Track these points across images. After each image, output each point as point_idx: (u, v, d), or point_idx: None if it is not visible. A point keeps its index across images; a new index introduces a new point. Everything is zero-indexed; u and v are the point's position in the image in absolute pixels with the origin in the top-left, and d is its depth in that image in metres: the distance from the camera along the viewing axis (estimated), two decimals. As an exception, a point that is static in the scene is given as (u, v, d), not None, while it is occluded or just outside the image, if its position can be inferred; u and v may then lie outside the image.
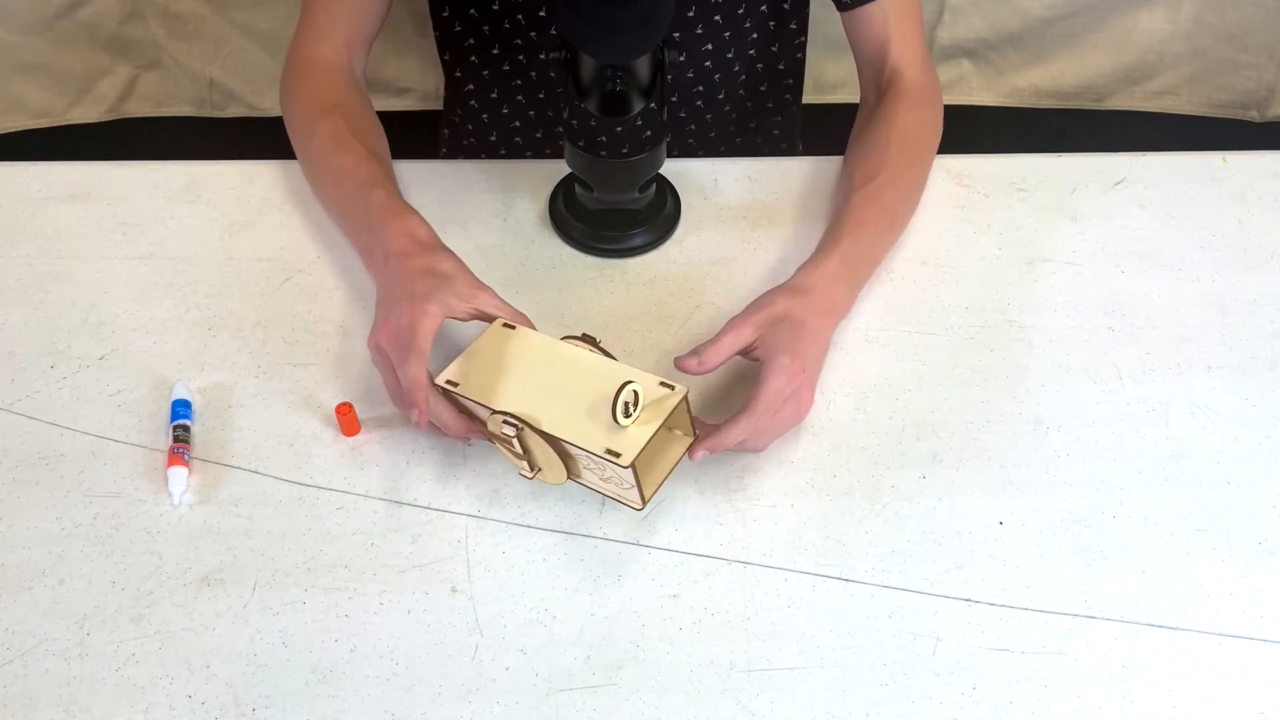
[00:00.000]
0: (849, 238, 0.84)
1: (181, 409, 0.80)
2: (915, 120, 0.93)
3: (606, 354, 0.75)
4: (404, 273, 0.79)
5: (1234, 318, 0.89)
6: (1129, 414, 0.82)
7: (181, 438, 0.78)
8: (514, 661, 0.70)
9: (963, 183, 0.98)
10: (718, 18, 0.99)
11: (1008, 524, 0.76)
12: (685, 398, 0.71)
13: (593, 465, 0.70)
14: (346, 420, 0.79)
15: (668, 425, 0.71)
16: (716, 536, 0.75)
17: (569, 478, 0.73)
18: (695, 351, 0.77)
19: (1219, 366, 0.85)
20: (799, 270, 0.83)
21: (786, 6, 1.02)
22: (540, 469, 0.74)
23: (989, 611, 0.72)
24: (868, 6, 0.94)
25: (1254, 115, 1.70)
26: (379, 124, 0.94)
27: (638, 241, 0.92)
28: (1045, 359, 0.85)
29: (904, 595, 0.73)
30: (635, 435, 0.69)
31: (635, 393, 0.69)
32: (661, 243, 0.93)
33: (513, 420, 0.70)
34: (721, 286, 0.90)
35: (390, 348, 0.75)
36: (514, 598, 0.72)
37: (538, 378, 0.74)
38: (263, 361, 0.84)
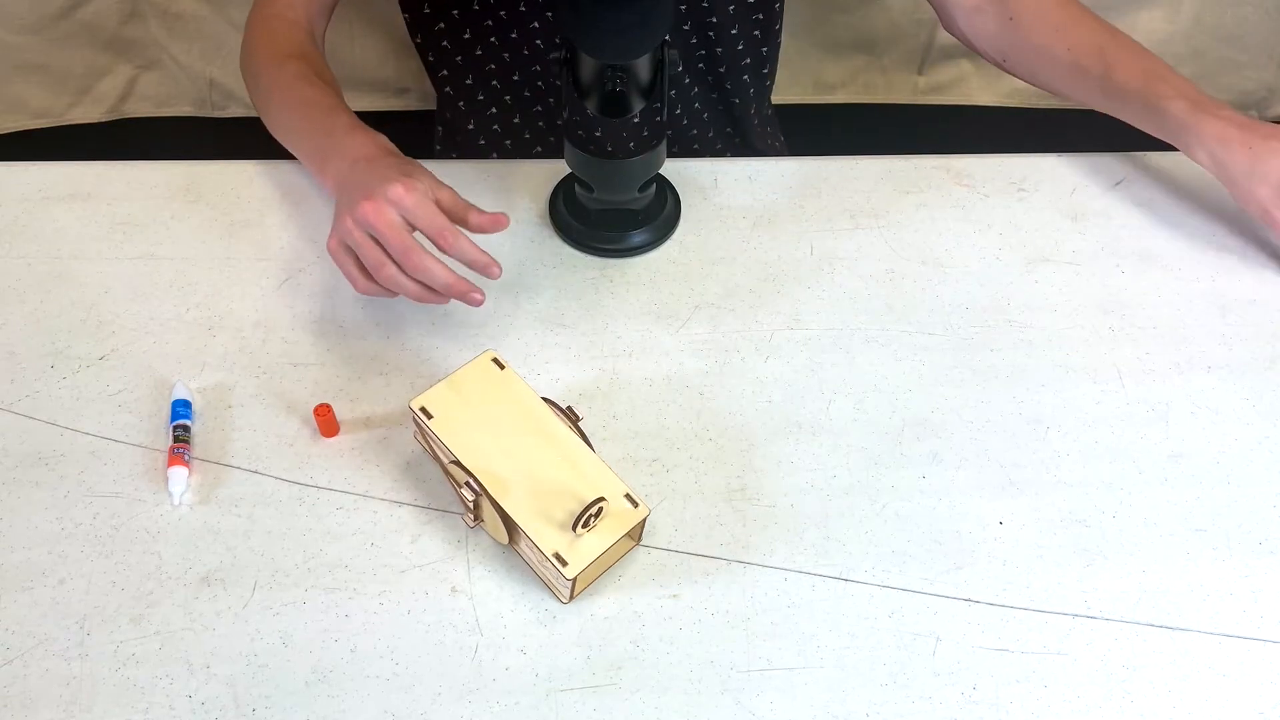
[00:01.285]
0: (1159, 85, 0.89)
1: (181, 409, 0.80)
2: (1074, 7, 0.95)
3: (583, 436, 0.74)
4: (376, 167, 0.78)
5: (1234, 318, 0.89)
6: (1129, 414, 0.82)
7: (181, 438, 0.78)
8: (514, 661, 0.70)
9: (963, 183, 0.98)
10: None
11: (1008, 524, 0.77)
12: (644, 518, 0.71)
13: (534, 550, 0.70)
14: (325, 421, 0.79)
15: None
16: (716, 536, 0.75)
17: (509, 544, 0.73)
18: None
19: (1219, 366, 0.85)
20: (1193, 142, 0.88)
21: None
22: (483, 521, 0.74)
23: (989, 611, 0.72)
24: None
25: (1254, 115, 1.70)
26: (336, 81, 0.95)
27: (638, 241, 0.92)
28: (1045, 359, 0.86)
29: (904, 595, 0.73)
30: (587, 546, 0.69)
31: (601, 509, 0.69)
32: (661, 243, 0.93)
33: (474, 485, 0.71)
34: (721, 286, 0.90)
35: (394, 204, 0.74)
36: (514, 598, 0.72)
37: (511, 441, 0.73)
38: (263, 361, 0.84)
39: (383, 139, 0.84)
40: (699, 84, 1.08)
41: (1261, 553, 0.75)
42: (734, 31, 1.04)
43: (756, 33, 1.06)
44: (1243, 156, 0.85)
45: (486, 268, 0.77)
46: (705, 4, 1.00)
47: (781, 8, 1.06)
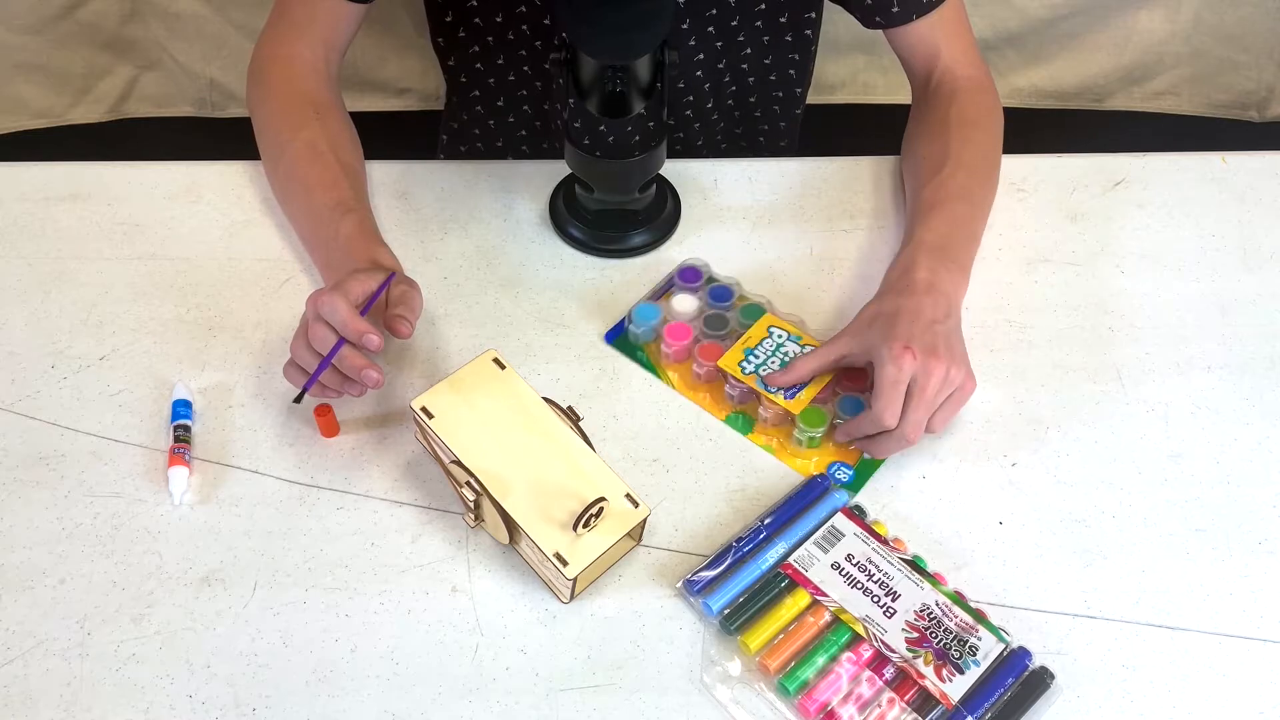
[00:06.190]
0: (922, 226, 0.85)
1: (182, 409, 0.80)
2: (971, 105, 0.93)
3: (584, 436, 0.74)
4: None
5: (1234, 318, 0.89)
6: (1129, 414, 0.82)
7: (182, 438, 0.78)
8: (514, 661, 0.70)
9: (963, 183, 0.98)
10: (734, 19, 0.99)
11: (1008, 524, 0.77)
12: (644, 517, 0.71)
13: (535, 550, 0.70)
14: (325, 421, 0.79)
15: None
16: (717, 536, 0.75)
17: (510, 544, 0.73)
18: (787, 369, 0.80)
19: (1219, 366, 0.85)
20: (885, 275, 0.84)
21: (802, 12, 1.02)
22: (484, 521, 0.74)
23: (989, 611, 0.72)
24: (917, 22, 0.94)
25: (1254, 115, 1.70)
26: (354, 132, 0.93)
27: (638, 241, 0.92)
28: (1045, 359, 0.85)
29: (904, 595, 0.73)
30: (587, 546, 0.69)
31: (602, 509, 0.69)
32: (661, 243, 0.93)
33: (475, 485, 0.71)
34: (721, 286, 0.90)
35: (314, 306, 0.74)
36: (514, 598, 0.72)
37: (512, 440, 0.73)
38: (263, 361, 0.84)
39: (384, 255, 0.82)
40: (723, 94, 1.08)
41: (1261, 553, 0.75)
42: (766, 39, 1.03)
43: (791, 71, 1.06)
44: (868, 306, 0.81)
45: (366, 369, 0.74)
46: (734, 19, 1.00)
47: (818, 14, 1.05)
